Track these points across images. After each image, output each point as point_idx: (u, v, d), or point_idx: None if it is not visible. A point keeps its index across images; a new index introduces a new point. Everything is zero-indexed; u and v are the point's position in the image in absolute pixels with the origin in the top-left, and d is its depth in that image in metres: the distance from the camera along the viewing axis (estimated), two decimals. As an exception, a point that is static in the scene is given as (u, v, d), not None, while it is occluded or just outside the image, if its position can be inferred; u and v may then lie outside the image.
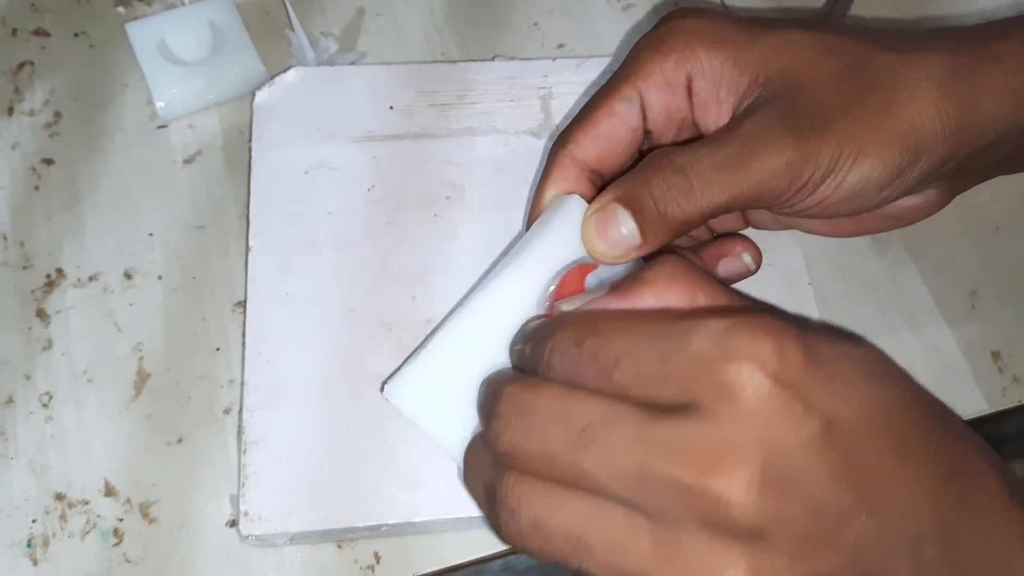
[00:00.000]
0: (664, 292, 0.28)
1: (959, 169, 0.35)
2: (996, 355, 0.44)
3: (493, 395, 0.28)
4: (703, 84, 0.34)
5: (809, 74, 0.33)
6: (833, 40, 0.34)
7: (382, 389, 0.34)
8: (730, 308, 0.27)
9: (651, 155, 0.33)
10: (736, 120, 0.33)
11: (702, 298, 0.27)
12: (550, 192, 0.35)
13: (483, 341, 0.32)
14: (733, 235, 0.39)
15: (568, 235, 0.33)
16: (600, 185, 0.35)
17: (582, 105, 0.46)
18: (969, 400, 0.43)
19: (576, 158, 0.35)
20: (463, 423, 0.32)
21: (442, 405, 0.32)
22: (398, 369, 0.33)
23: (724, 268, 0.38)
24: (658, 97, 0.35)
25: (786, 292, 0.42)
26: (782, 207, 0.34)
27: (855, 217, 0.37)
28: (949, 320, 0.45)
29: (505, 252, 0.35)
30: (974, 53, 0.34)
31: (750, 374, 0.24)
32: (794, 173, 0.32)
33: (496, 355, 0.32)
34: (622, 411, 0.25)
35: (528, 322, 0.32)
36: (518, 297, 0.32)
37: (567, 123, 0.36)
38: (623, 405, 0.25)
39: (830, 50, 0.34)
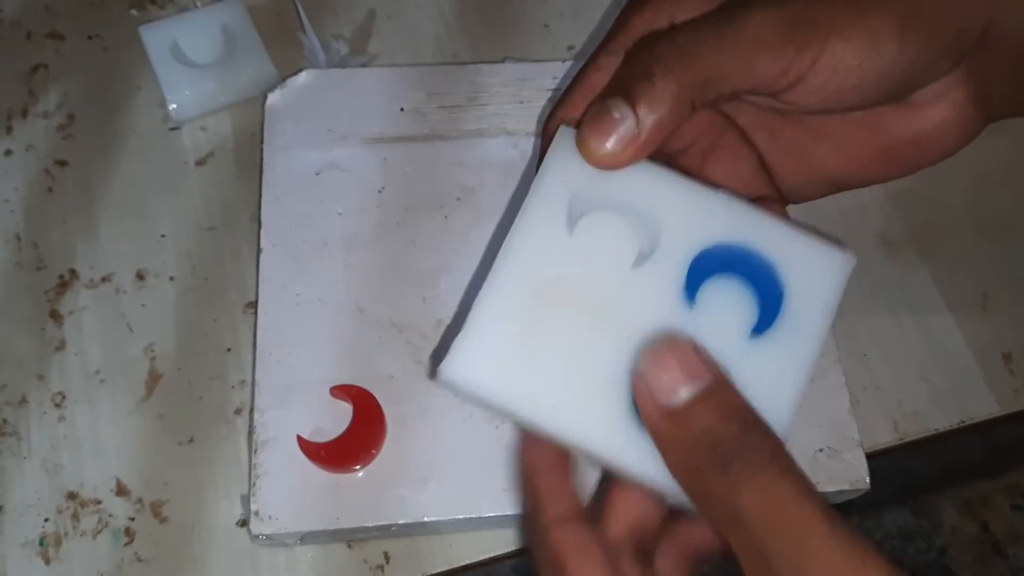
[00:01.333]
0: None
1: (987, 62, 0.33)
2: (1007, 357, 0.44)
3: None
4: (685, 18, 0.33)
5: None
6: None
7: (432, 376, 0.31)
8: None
9: (632, 47, 0.32)
10: (721, 5, 0.32)
11: None
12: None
13: (525, 288, 0.29)
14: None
15: (566, 158, 0.30)
16: None
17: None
18: (980, 403, 0.43)
19: (571, 119, 0.33)
20: (552, 367, 0.28)
21: (519, 357, 0.29)
22: (440, 350, 0.30)
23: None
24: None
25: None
26: (789, 89, 0.31)
27: (891, 151, 0.35)
28: (960, 322, 0.45)
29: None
30: None
31: None
32: (789, 29, 0.30)
33: (543, 297, 0.29)
34: None
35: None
36: (541, 233, 0.30)
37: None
38: None
39: None
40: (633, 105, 0.29)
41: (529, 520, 0.29)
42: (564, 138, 0.31)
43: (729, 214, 0.30)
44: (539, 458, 0.30)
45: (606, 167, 0.30)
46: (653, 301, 0.30)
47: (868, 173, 0.36)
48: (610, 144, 0.29)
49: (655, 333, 0.28)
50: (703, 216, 0.30)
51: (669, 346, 0.27)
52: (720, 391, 0.26)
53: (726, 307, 0.30)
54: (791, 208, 0.36)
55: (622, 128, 0.29)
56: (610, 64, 0.33)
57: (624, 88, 0.29)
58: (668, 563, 0.30)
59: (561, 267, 0.30)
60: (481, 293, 0.29)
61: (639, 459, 0.27)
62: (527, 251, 0.30)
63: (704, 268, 0.30)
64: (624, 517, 0.30)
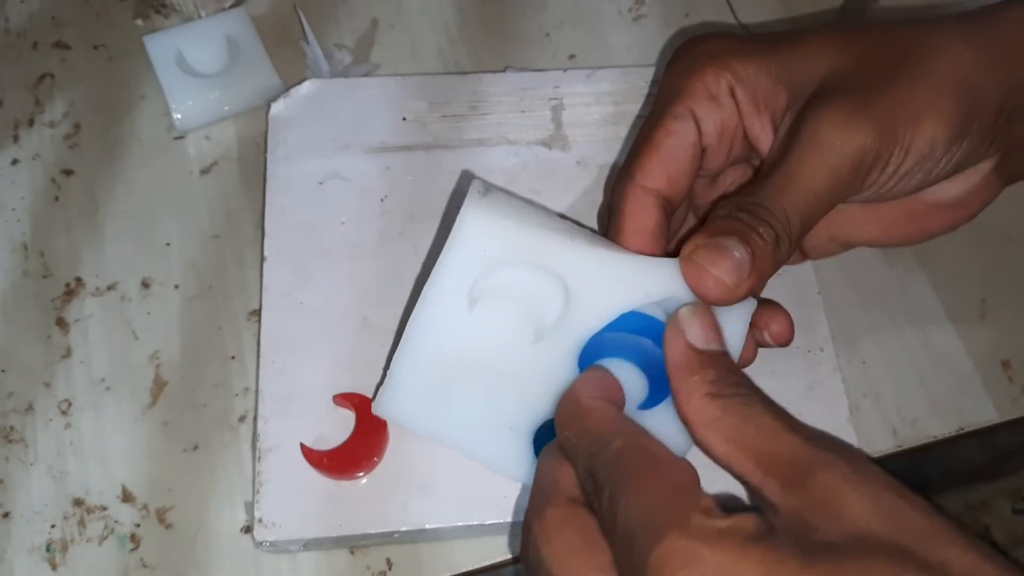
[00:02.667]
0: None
1: (1011, 135, 0.35)
2: (1007, 364, 0.44)
3: (531, 501, 0.30)
4: (743, 92, 0.35)
5: (840, 66, 0.33)
6: (849, 33, 0.34)
7: (372, 399, 0.37)
8: (735, 533, 0.25)
9: (717, 208, 0.33)
10: (789, 133, 0.34)
11: (740, 465, 0.27)
12: (628, 226, 0.35)
13: (434, 354, 0.35)
14: (767, 305, 0.37)
15: (470, 240, 0.33)
16: (671, 212, 0.35)
17: (594, 114, 0.47)
18: (979, 410, 0.43)
19: (647, 187, 0.35)
20: (460, 413, 0.35)
21: (432, 404, 0.35)
22: (379, 385, 0.36)
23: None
24: (708, 110, 0.35)
25: (796, 301, 0.42)
26: (860, 194, 0.34)
27: (916, 216, 0.37)
28: (959, 330, 0.45)
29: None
30: (987, 16, 0.34)
31: None
32: (866, 153, 0.32)
33: (451, 361, 0.35)
34: None
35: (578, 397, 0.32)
36: (443, 311, 0.34)
37: (625, 160, 0.36)
38: None
39: (851, 41, 0.34)
40: (750, 247, 0.31)
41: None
42: (470, 219, 0.33)
43: (632, 279, 0.33)
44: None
45: (715, 296, 0.31)
46: (549, 371, 0.34)
47: (889, 236, 0.39)
48: (725, 273, 0.31)
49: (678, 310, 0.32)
50: (608, 285, 0.34)
51: (706, 311, 0.31)
52: (730, 357, 0.30)
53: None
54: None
55: (737, 264, 0.31)
56: (681, 129, 0.35)
57: (739, 233, 0.31)
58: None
59: (464, 340, 0.34)
60: (398, 351, 0.35)
61: (528, 475, 0.35)
62: (430, 329, 0.35)
63: (594, 351, 0.34)
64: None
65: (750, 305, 0.34)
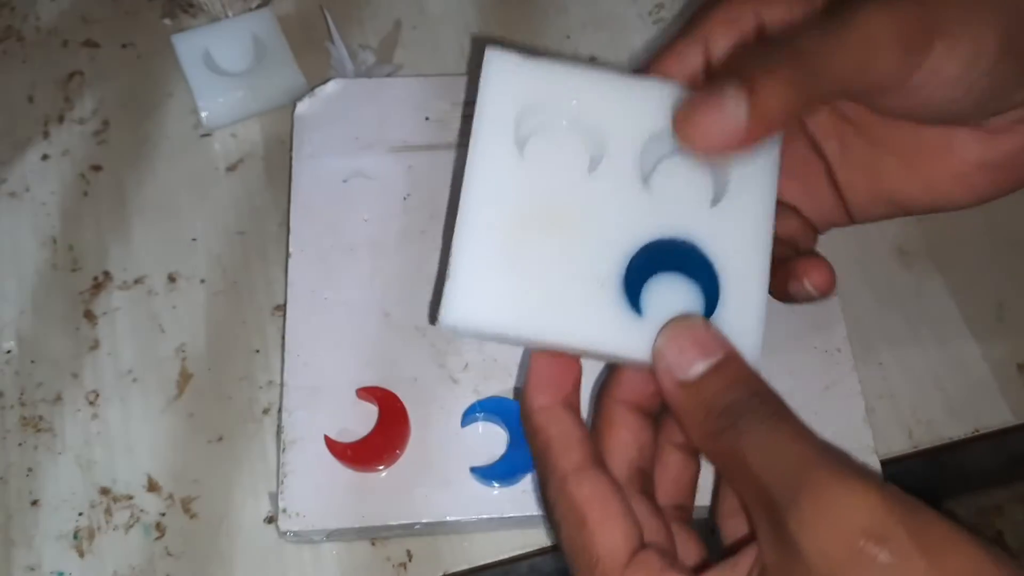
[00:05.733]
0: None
1: None
2: (1022, 368, 0.45)
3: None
4: (773, 14, 0.32)
5: None
6: None
7: (433, 322, 0.32)
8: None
9: (746, 45, 0.31)
10: (830, 6, 0.31)
11: None
12: None
13: (494, 218, 0.30)
14: (809, 256, 0.35)
15: (500, 85, 0.31)
16: None
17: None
18: (995, 413, 0.44)
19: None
20: (534, 302, 0.30)
21: (502, 298, 0.30)
22: (436, 299, 0.31)
23: (791, 290, 0.34)
24: (723, 33, 0.33)
25: (812, 304, 0.43)
26: (897, 90, 0.31)
27: (962, 177, 0.34)
28: (975, 333, 0.45)
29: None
30: None
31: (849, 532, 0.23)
32: (907, 33, 0.29)
33: (513, 222, 0.30)
34: (637, 561, 0.26)
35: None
36: (495, 160, 0.31)
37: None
38: (643, 553, 0.26)
39: None
40: (749, 92, 0.27)
41: (542, 475, 0.29)
42: (495, 63, 0.31)
43: (666, 102, 0.31)
44: (544, 404, 0.29)
45: (701, 148, 0.28)
46: (615, 197, 0.31)
47: (934, 195, 0.36)
48: (714, 123, 0.28)
49: (674, 319, 0.29)
50: (642, 109, 0.31)
51: (685, 326, 0.28)
52: (731, 363, 0.27)
53: (680, 185, 0.31)
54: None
55: (732, 111, 0.27)
56: (688, 51, 0.33)
57: (745, 74, 0.28)
58: (666, 494, 0.32)
59: (522, 191, 0.31)
60: (455, 236, 0.30)
61: (642, 348, 0.29)
62: (486, 185, 0.31)
63: (641, 270, 0.31)
64: (623, 453, 0.31)
65: (772, 156, 0.31)
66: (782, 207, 0.35)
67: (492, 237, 0.30)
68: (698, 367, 0.27)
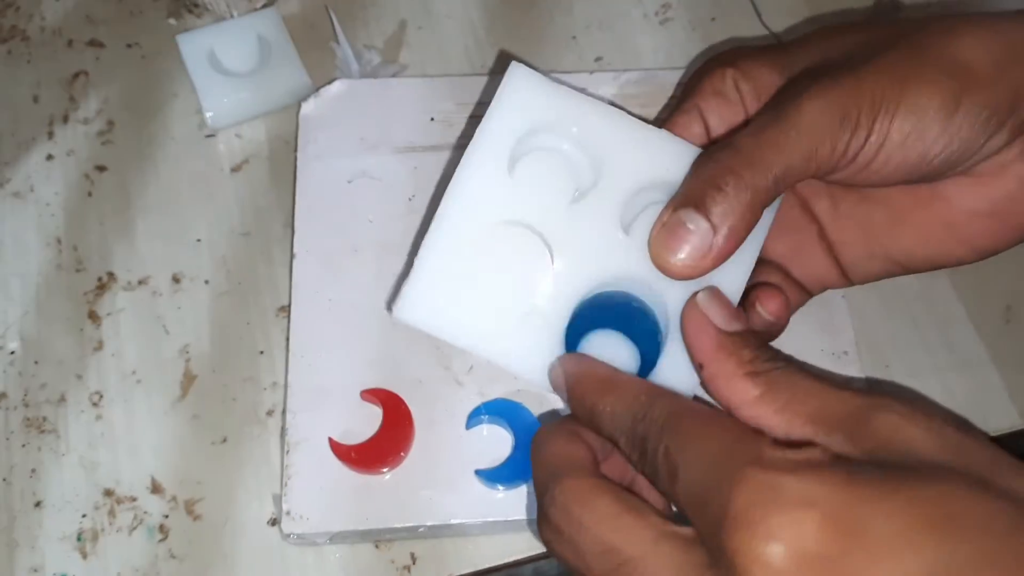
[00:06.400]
0: (776, 411, 0.27)
1: None
2: (1031, 371, 0.44)
3: (545, 478, 0.29)
4: (747, 85, 0.35)
5: (836, 49, 0.33)
6: (853, 26, 0.34)
7: (389, 310, 0.34)
8: (812, 462, 0.24)
9: (696, 159, 0.33)
10: (769, 103, 0.33)
11: (800, 429, 0.26)
12: None
13: (468, 229, 0.32)
14: (763, 286, 0.36)
15: (513, 99, 0.32)
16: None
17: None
18: (1003, 415, 0.43)
19: None
20: (481, 317, 0.32)
21: (453, 306, 0.32)
22: (396, 289, 0.33)
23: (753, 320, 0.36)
24: (714, 106, 0.35)
25: (819, 306, 0.42)
26: (846, 167, 0.32)
27: (956, 227, 0.35)
28: (983, 335, 0.45)
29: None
30: (1008, 18, 0.33)
31: (781, 555, 0.22)
32: (842, 114, 0.31)
33: (484, 237, 0.32)
34: (661, 553, 0.26)
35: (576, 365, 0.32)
36: (482, 170, 0.32)
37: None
38: (665, 544, 0.26)
39: (852, 31, 0.34)
40: (707, 215, 0.30)
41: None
42: (516, 78, 0.32)
43: (665, 152, 0.33)
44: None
45: (681, 277, 0.31)
46: (591, 232, 0.32)
47: (928, 248, 0.36)
48: (684, 255, 0.30)
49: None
50: (642, 155, 0.33)
51: (717, 292, 0.31)
52: (754, 334, 0.30)
53: None
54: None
55: (697, 239, 0.30)
56: (686, 122, 0.35)
57: (696, 199, 0.30)
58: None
59: (501, 209, 0.32)
60: (426, 238, 0.32)
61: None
62: (468, 196, 0.32)
63: (579, 326, 0.33)
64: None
65: (751, 252, 0.33)
66: (769, 268, 0.37)
67: (458, 248, 0.32)
68: (741, 324, 0.30)
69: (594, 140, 0.33)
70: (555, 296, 0.33)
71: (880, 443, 0.24)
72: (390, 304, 0.35)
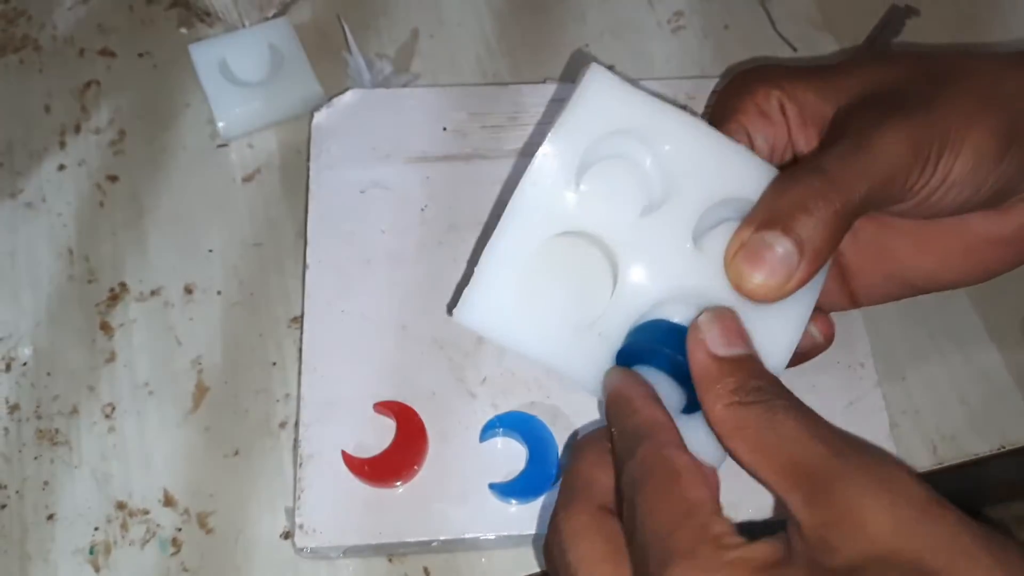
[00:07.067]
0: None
1: None
2: (1049, 383, 0.44)
3: (562, 496, 0.30)
4: (792, 108, 0.35)
5: (885, 80, 0.33)
6: (891, 56, 0.35)
7: (450, 312, 0.33)
8: (745, 563, 0.25)
9: (774, 180, 0.32)
10: (840, 125, 0.33)
11: (766, 476, 0.27)
12: None
13: (532, 237, 0.32)
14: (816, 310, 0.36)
15: (591, 103, 0.31)
16: None
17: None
18: (1020, 427, 0.43)
19: None
20: (539, 325, 0.32)
21: (513, 312, 0.32)
22: (460, 290, 0.33)
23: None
24: (760, 127, 0.35)
25: (836, 316, 0.42)
26: (911, 199, 0.33)
27: (973, 251, 0.36)
28: (1000, 346, 0.44)
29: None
30: None
31: None
32: (916, 148, 0.31)
33: (548, 245, 0.32)
34: None
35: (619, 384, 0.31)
36: (551, 177, 0.31)
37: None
38: None
39: (893, 61, 0.34)
40: (794, 238, 0.30)
41: (629, 445, 0.29)
42: (597, 81, 0.31)
43: (743, 169, 0.32)
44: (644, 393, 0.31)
45: (760, 299, 0.31)
46: (660, 246, 0.32)
47: (947, 272, 0.37)
48: (766, 276, 0.30)
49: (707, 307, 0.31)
50: (719, 170, 0.32)
51: (729, 315, 0.30)
52: (755, 360, 0.30)
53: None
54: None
55: (780, 261, 0.30)
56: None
57: (782, 220, 0.30)
58: None
59: (568, 218, 0.32)
60: (489, 243, 0.32)
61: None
62: (534, 201, 0.32)
63: (626, 359, 0.32)
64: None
65: (814, 289, 0.32)
66: None
67: (521, 255, 0.32)
68: (738, 348, 0.29)
69: (676, 153, 0.32)
70: (616, 310, 0.32)
71: (834, 517, 0.24)
72: (450, 307, 0.35)
